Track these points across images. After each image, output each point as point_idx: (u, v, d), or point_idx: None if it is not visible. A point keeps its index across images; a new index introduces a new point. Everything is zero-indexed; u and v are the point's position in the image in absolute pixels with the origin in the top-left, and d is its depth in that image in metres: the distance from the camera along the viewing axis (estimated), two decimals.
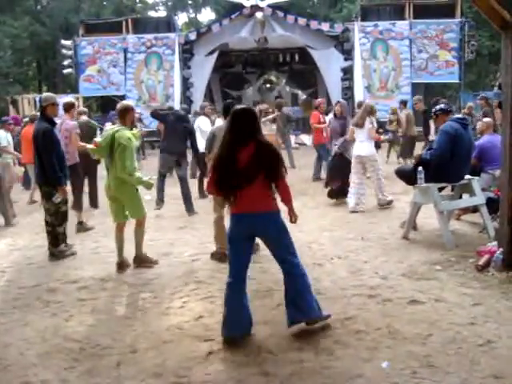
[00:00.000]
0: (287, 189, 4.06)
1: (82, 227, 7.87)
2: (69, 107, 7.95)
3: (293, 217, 4.14)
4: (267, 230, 3.97)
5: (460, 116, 6.94)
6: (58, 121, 8.05)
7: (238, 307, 3.94)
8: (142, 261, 5.85)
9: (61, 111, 7.59)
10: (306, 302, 3.96)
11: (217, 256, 6.03)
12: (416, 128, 13.08)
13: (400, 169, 7.48)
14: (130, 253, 5.91)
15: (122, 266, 5.81)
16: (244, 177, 3.85)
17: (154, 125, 16.30)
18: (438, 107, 6.90)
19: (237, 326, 3.93)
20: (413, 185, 6.52)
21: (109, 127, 6.68)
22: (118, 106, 6.02)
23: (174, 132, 8.94)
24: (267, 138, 10.64)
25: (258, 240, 4.44)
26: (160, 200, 8.95)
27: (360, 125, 8.51)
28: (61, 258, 6.31)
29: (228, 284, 4.00)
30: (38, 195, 8.92)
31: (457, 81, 21.72)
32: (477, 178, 6.68)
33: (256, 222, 3.93)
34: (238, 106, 4.20)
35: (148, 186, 5.91)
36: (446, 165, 6.19)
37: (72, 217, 8.25)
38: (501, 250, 5.17)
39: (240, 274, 3.99)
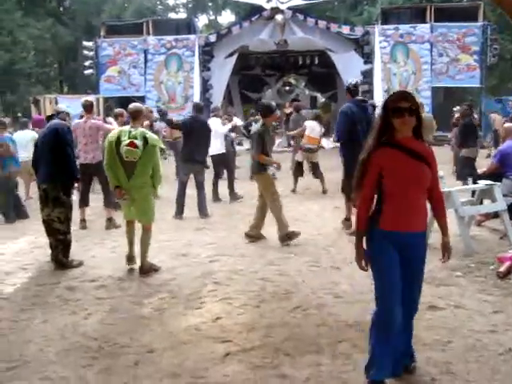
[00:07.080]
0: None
1: (111, 224, 7.99)
2: (90, 107, 8.25)
3: None
4: None
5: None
6: (78, 120, 8.34)
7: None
8: (147, 271, 5.70)
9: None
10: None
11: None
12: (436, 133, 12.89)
13: None
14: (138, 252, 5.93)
15: (131, 258, 5.93)
16: None
17: None
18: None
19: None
20: None
21: (117, 128, 6.64)
22: (131, 107, 5.85)
23: (197, 139, 8.44)
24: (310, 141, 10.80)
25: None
26: (179, 212, 8.59)
27: None
28: (69, 268, 5.96)
29: None
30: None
31: (478, 85, 21.48)
32: (498, 183, 6.60)
33: None
34: None
35: (155, 194, 6.12)
36: None
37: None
38: None
39: None
